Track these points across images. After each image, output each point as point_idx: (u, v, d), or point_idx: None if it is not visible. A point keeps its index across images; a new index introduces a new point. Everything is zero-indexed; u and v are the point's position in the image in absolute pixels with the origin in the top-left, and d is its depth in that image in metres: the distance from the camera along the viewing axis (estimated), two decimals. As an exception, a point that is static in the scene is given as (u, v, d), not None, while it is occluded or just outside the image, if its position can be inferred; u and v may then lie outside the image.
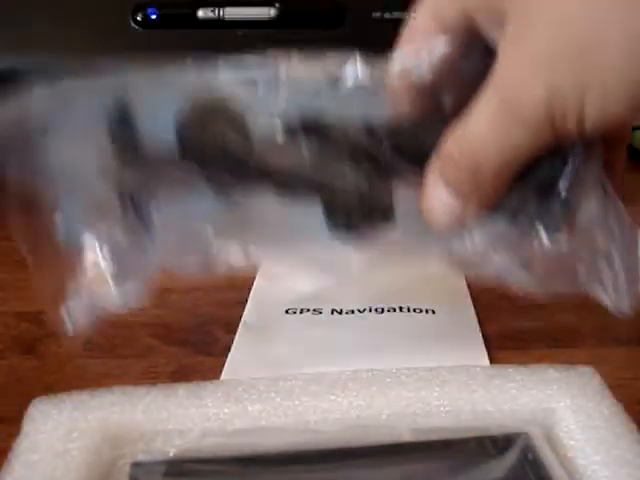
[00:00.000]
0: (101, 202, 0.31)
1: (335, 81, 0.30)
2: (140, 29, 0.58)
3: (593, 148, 0.29)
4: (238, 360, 0.38)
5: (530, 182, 0.28)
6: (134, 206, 0.31)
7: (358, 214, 0.31)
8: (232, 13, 0.58)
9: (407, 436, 0.31)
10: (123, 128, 0.30)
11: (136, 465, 0.29)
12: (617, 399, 0.31)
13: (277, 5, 0.58)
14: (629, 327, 0.39)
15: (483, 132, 0.25)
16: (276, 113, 0.30)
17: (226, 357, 0.38)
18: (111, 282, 0.31)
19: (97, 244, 0.30)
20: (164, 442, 0.30)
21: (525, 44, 0.24)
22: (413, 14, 0.29)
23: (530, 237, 0.30)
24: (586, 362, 0.34)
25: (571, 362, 0.34)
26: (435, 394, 0.31)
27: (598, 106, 0.23)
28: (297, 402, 0.31)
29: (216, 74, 0.31)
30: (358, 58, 0.30)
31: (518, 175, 0.27)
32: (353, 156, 0.30)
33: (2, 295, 0.45)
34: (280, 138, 0.30)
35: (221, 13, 0.58)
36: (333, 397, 0.31)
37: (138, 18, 0.58)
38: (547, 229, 0.29)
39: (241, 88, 0.30)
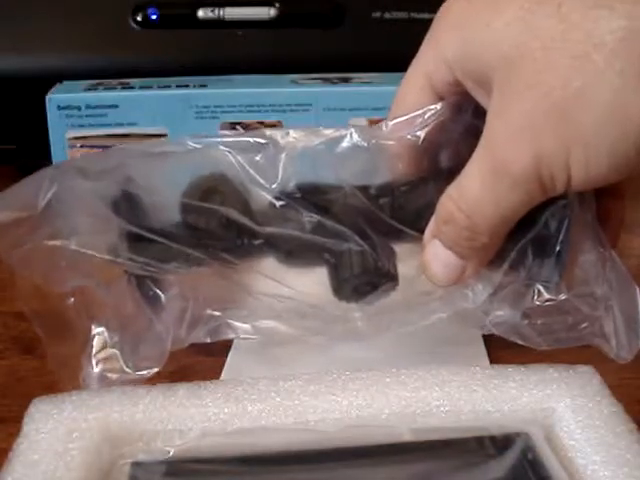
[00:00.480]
0: (110, 284, 0.33)
1: (332, 146, 0.31)
2: (140, 29, 0.58)
3: (585, 202, 0.30)
4: (238, 360, 0.38)
5: (526, 236, 0.29)
6: (141, 286, 0.32)
7: (362, 279, 0.32)
8: (232, 13, 0.58)
9: (407, 436, 0.31)
10: (130, 211, 0.31)
11: (136, 465, 0.29)
12: (617, 399, 0.31)
13: (277, 5, 0.58)
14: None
15: (478, 194, 0.27)
16: (276, 181, 0.31)
17: (226, 357, 0.38)
18: (122, 361, 0.33)
19: (105, 327, 0.33)
20: (164, 442, 0.30)
21: (510, 113, 0.25)
22: (406, 76, 0.31)
23: (529, 289, 0.31)
24: (586, 362, 0.34)
25: (571, 362, 0.34)
26: (435, 394, 0.31)
27: (582, 168, 0.25)
28: (297, 402, 0.31)
29: (217, 145, 0.31)
30: (353, 129, 0.31)
31: (515, 229, 0.28)
32: (353, 221, 0.31)
33: (2, 295, 0.45)
34: (280, 207, 0.31)
35: (221, 13, 0.58)
36: (333, 397, 0.31)
37: (138, 18, 0.58)
38: (545, 281, 0.30)
39: (241, 156, 0.31)
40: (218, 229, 0.31)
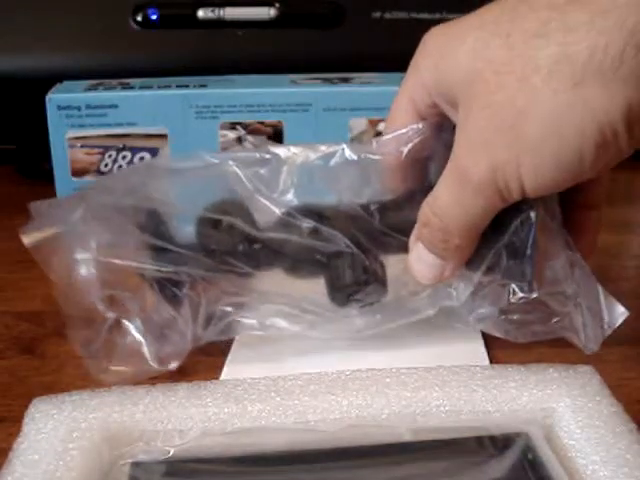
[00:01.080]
0: (135, 291, 0.36)
1: (327, 161, 0.35)
2: (140, 29, 0.58)
3: (549, 209, 0.33)
4: (238, 360, 0.38)
5: (499, 240, 0.33)
6: (162, 289, 0.36)
7: (355, 288, 0.36)
8: (232, 13, 0.58)
9: (407, 436, 0.31)
10: (152, 226, 0.36)
11: (136, 465, 0.29)
12: (617, 399, 0.31)
13: (277, 5, 0.58)
14: (629, 327, 0.39)
15: (447, 200, 0.31)
16: (277, 190, 0.35)
17: (226, 357, 0.38)
18: (148, 356, 0.36)
19: (133, 324, 0.36)
20: (164, 442, 0.30)
21: (469, 129, 0.29)
22: (395, 99, 0.34)
23: (505, 289, 0.34)
24: (586, 362, 0.34)
25: (571, 362, 0.34)
26: (435, 394, 0.31)
27: (532, 176, 0.28)
28: (297, 402, 0.31)
29: (227, 161, 0.35)
30: (345, 145, 0.35)
31: (489, 234, 0.32)
32: (346, 228, 0.35)
33: (2, 295, 0.45)
34: (282, 222, 0.35)
35: (221, 13, 0.58)
36: (333, 397, 0.31)
37: (138, 18, 0.58)
38: (518, 281, 0.34)
39: (248, 170, 0.35)
40: (226, 237, 0.35)
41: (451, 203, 0.30)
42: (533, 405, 0.31)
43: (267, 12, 0.59)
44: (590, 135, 0.26)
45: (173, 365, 0.36)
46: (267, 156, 0.35)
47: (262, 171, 0.35)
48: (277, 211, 0.35)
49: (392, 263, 0.37)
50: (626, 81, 0.25)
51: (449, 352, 0.37)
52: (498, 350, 0.38)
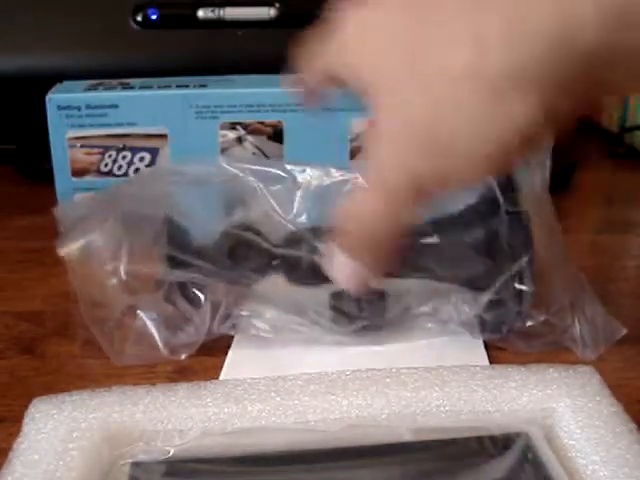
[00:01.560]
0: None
1: (340, 187, 0.38)
2: (140, 29, 0.58)
3: (547, 223, 0.37)
4: (238, 360, 0.38)
5: (503, 263, 0.36)
6: (183, 290, 0.38)
7: (357, 312, 0.38)
8: (232, 13, 0.58)
9: (407, 436, 0.31)
10: (173, 235, 0.38)
11: (136, 465, 0.29)
12: (617, 399, 0.31)
13: (277, 5, 0.58)
14: (629, 327, 0.39)
15: (360, 204, 0.29)
16: (291, 213, 0.37)
17: (226, 357, 0.38)
18: (160, 344, 0.38)
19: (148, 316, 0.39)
20: (164, 442, 0.30)
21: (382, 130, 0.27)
22: None
23: (510, 313, 0.37)
24: (586, 362, 0.34)
25: (571, 362, 0.34)
26: (435, 394, 0.31)
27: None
28: (297, 402, 0.31)
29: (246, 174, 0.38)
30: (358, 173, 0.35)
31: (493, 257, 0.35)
32: None
33: (2, 295, 0.45)
34: (294, 239, 0.37)
35: (221, 13, 0.58)
36: (333, 397, 0.31)
37: (138, 18, 0.58)
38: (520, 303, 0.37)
39: (263, 184, 0.37)
40: (249, 253, 0.38)
41: (364, 207, 0.29)
42: (533, 405, 0.31)
43: (267, 12, 0.59)
44: None
45: (184, 355, 0.37)
46: (284, 175, 0.38)
47: (276, 188, 0.37)
48: (291, 229, 0.37)
49: (395, 286, 0.38)
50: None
51: (449, 352, 0.38)
52: (498, 350, 0.38)
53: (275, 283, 0.38)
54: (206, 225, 0.38)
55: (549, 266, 0.38)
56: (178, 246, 0.37)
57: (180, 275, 0.37)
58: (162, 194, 0.38)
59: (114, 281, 0.37)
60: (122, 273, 0.37)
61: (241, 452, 0.30)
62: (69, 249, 0.36)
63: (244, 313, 0.38)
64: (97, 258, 0.37)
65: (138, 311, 0.38)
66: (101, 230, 0.37)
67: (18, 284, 0.46)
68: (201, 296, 0.38)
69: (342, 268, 0.31)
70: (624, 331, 0.38)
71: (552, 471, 0.28)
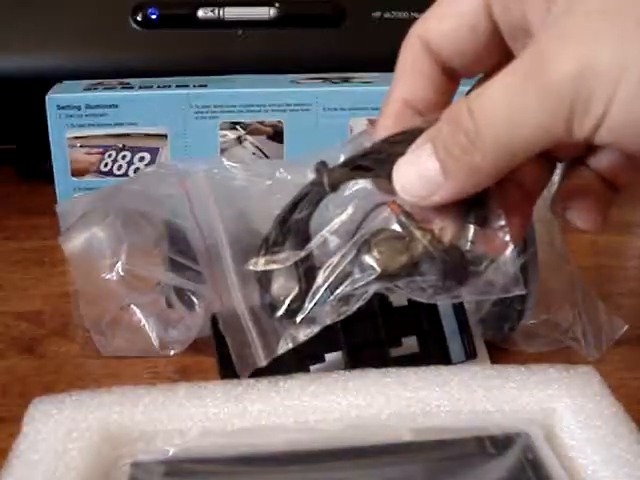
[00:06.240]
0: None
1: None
2: (140, 29, 0.58)
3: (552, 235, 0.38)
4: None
5: None
6: (178, 292, 0.38)
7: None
8: (232, 13, 0.58)
9: (407, 436, 0.31)
10: (177, 239, 0.38)
11: (136, 465, 0.29)
12: (617, 399, 0.31)
13: (277, 5, 0.58)
14: (629, 327, 0.39)
15: (497, 98, 0.23)
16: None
17: (226, 357, 0.38)
18: (152, 337, 0.39)
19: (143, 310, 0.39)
20: (164, 442, 0.30)
21: (562, 26, 0.22)
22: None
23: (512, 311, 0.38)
24: (586, 362, 0.34)
25: (571, 362, 0.34)
26: (435, 394, 0.31)
27: (625, 106, 0.21)
28: (297, 402, 0.31)
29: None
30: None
31: None
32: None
33: (2, 295, 0.45)
34: None
35: (221, 13, 0.58)
36: (333, 397, 0.31)
37: (138, 18, 0.58)
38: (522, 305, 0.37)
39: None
40: None
41: (501, 104, 0.23)
42: (533, 405, 0.31)
43: (267, 12, 0.59)
44: None
45: (175, 351, 0.38)
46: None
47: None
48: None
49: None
50: None
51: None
52: (498, 350, 0.38)
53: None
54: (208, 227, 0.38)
55: (549, 266, 0.38)
56: (179, 250, 0.37)
57: (177, 280, 0.37)
58: (164, 194, 0.38)
59: (113, 277, 0.37)
60: (120, 270, 0.37)
61: (241, 452, 0.30)
62: (72, 243, 0.37)
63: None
64: (97, 253, 0.37)
65: (132, 305, 0.38)
66: (102, 225, 0.37)
67: (18, 284, 0.46)
68: (196, 301, 0.38)
69: (416, 169, 0.25)
70: (625, 326, 0.38)
71: (552, 471, 0.28)
